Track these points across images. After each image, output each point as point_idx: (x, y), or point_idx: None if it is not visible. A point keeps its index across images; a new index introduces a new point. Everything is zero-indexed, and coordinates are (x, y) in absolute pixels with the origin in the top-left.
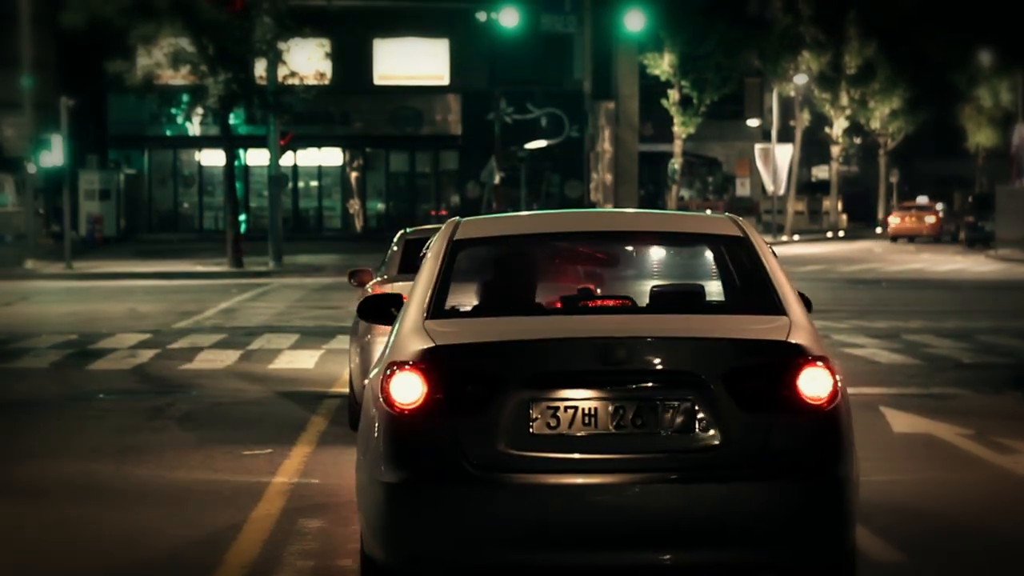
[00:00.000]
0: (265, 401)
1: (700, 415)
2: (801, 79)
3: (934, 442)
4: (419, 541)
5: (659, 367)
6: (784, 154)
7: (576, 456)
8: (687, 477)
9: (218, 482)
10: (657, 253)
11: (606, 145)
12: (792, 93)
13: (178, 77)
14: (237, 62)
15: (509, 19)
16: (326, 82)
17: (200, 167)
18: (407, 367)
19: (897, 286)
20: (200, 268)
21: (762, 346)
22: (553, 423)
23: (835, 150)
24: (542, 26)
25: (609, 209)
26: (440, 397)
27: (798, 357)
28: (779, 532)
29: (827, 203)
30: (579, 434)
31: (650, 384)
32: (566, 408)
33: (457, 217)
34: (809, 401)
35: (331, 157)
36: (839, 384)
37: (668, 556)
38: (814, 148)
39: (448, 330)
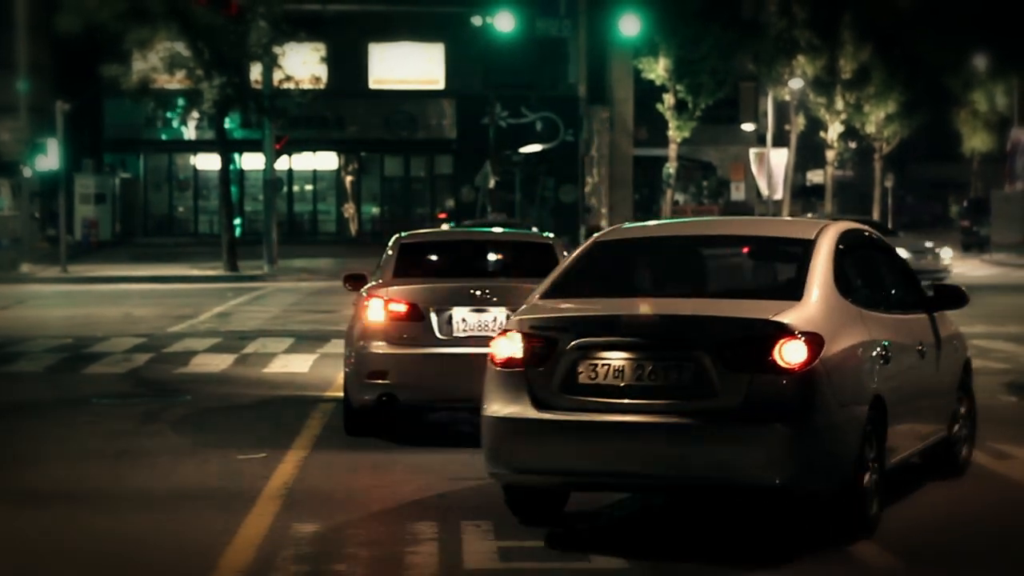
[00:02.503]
0: (260, 405)
1: (699, 373)
2: (796, 83)
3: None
4: (498, 457)
5: (668, 338)
6: (779, 158)
7: (609, 400)
8: (688, 418)
9: (212, 486)
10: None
11: (601, 149)
12: (787, 97)
13: (173, 81)
14: (232, 66)
15: (504, 23)
16: (321, 86)
17: (195, 171)
18: (504, 333)
19: None
20: (195, 272)
21: (749, 323)
22: (593, 376)
23: (830, 154)
24: (537, 30)
25: (715, 218)
26: (517, 354)
27: (779, 332)
28: (760, 464)
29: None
30: (613, 383)
31: (661, 349)
32: (602, 365)
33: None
34: (784, 366)
35: (326, 161)
36: (817, 353)
37: (671, 476)
38: (809, 152)
39: (544, 306)
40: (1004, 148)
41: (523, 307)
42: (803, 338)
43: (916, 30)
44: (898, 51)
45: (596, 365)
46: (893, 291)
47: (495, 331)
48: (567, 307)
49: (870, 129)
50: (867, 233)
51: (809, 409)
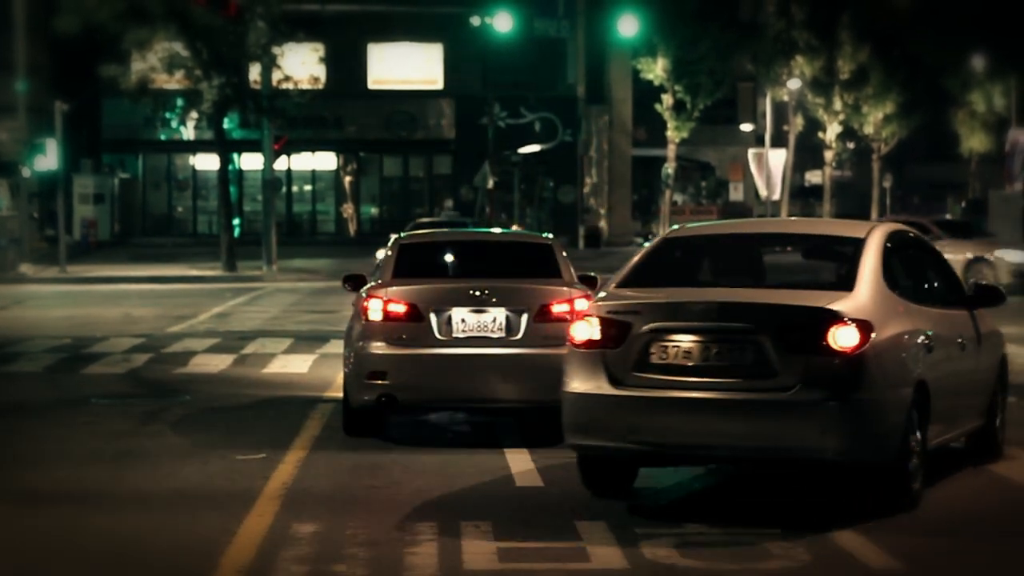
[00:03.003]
0: (259, 406)
1: (760, 355)
2: (794, 84)
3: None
4: (578, 429)
5: (732, 323)
6: (777, 159)
7: (677, 378)
8: (750, 394)
9: (212, 487)
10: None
11: (600, 150)
12: (785, 98)
13: (172, 82)
14: (231, 67)
15: (503, 24)
16: (320, 86)
17: (194, 171)
18: (583, 317)
19: None
20: (194, 272)
21: (806, 310)
22: (664, 356)
23: (828, 155)
24: (535, 31)
25: (772, 218)
26: (595, 337)
27: (832, 319)
28: (814, 437)
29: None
30: (681, 363)
31: (726, 333)
32: (672, 347)
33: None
34: (838, 349)
35: (325, 161)
36: (866, 339)
37: (733, 447)
38: (807, 153)
39: (618, 293)
40: (1002, 149)
41: (600, 295)
42: (854, 324)
43: (914, 31)
44: (896, 52)
45: (666, 347)
46: (935, 287)
47: (494, 331)
48: (640, 295)
49: (868, 130)
50: (911, 234)
51: (859, 388)
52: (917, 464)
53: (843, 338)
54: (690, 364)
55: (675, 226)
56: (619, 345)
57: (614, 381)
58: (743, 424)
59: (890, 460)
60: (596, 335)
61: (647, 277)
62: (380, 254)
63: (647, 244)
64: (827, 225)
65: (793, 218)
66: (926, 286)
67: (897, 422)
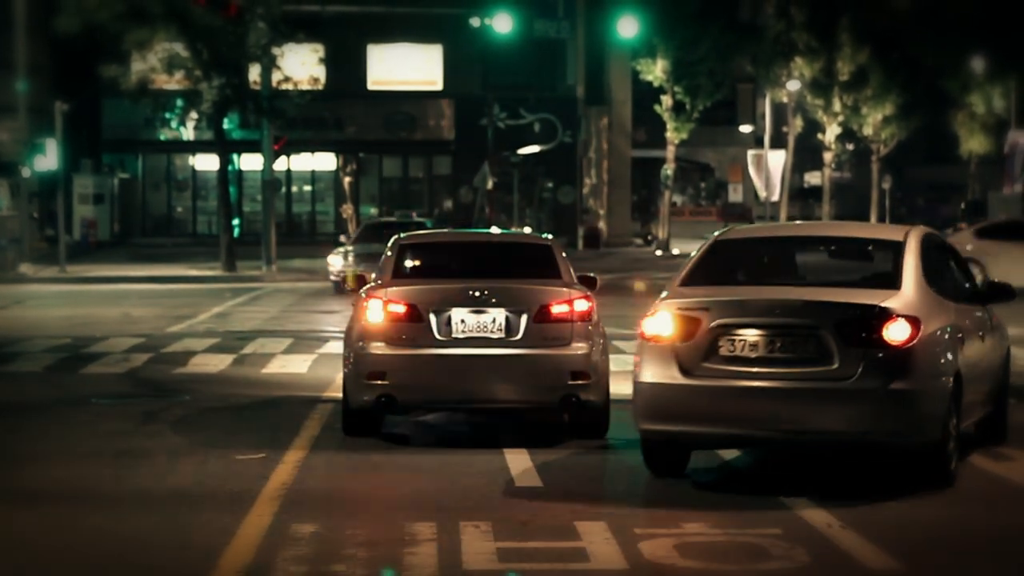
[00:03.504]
0: (258, 406)
1: (822, 347)
2: (794, 85)
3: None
4: (652, 416)
5: (794, 318)
6: (777, 160)
7: (745, 369)
8: (812, 383)
9: (211, 487)
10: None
11: (599, 150)
12: (785, 99)
13: (172, 82)
14: (231, 67)
15: (502, 25)
16: (320, 87)
17: (194, 171)
18: (654, 313)
19: None
20: (194, 272)
21: (863, 307)
22: (731, 349)
23: (828, 156)
24: (535, 32)
25: (813, 222)
26: (667, 331)
27: (886, 315)
28: (872, 421)
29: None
30: (747, 355)
31: (789, 328)
32: (739, 340)
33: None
34: (891, 342)
35: (324, 162)
36: (920, 331)
37: (799, 431)
38: (807, 154)
39: (683, 292)
40: (1002, 150)
41: (665, 293)
42: (905, 320)
43: (914, 32)
44: (896, 53)
45: (734, 340)
46: (956, 285)
47: (494, 332)
48: (707, 293)
49: (868, 131)
50: (935, 235)
51: (910, 378)
52: (954, 447)
53: (896, 332)
54: (755, 356)
55: (715, 232)
56: (690, 339)
57: (685, 372)
58: (806, 409)
59: (935, 442)
60: (668, 330)
61: (706, 277)
62: (332, 259)
63: (700, 247)
64: (865, 229)
65: (827, 222)
66: (951, 283)
67: (941, 408)
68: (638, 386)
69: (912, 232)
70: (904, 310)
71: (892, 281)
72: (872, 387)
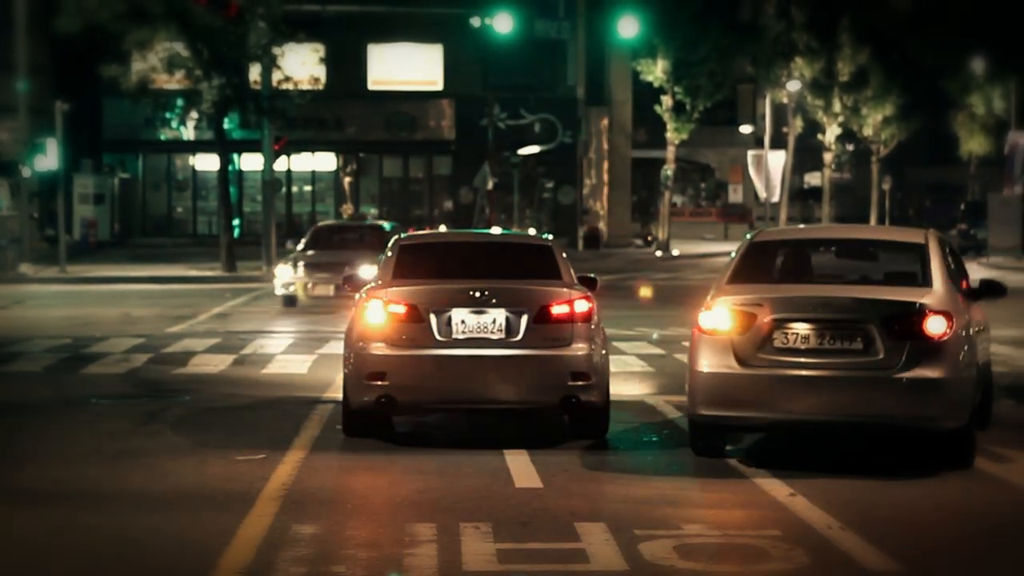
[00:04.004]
0: (258, 406)
1: (868, 340)
2: (794, 86)
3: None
4: (710, 402)
5: (844, 314)
6: (777, 161)
7: (797, 359)
8: (860, 372)
9: (211, 487)
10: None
11: (599, 151)
12: (785, 100)
13: (173, 82)
14: (231, 67)
15: (503, 25)
16: (320, 87)
17: (194, 172)
18: (705, 309)
19: None
20: (194, 272)
21: (905, 304)
22: (785, 341)
23: (827, 157)
24: (535, 32)
25: (841, 224)
26: (722, 324)
27: (924, 310)
28: (915, 408)
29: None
30: (799, 347)
31: (839, 322)
32: (791, 333)
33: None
34: (931, 335)
35: (325, 162)
36: (953, 325)
37: (847, 417)
38: (807, 155)
39: (733, 289)
40: (1001, 151)
41: (715, 291)
42: (942, 315)
43: (914, 33)
44: (896, 54)
45: (787, 333)
46: (961, 283)
47: (494, 332)
48: (759, 290)
49: (868, 132)
50: (945, 238)
51: (947, 367)
52: (974, 432)
53: (935, 326)
54: (807, 347)
55: (747, 235)
56: (746, 332)
57: (741, 362)
58: (854, 397)
59: (965, 427)
60: (725, 324)
61: (749, 276)
62: (280, 270)
63: (737, 249)
64: (888, 231)
65: (859, 224)
66: (958, 282)
67: (970, 395)
68: (695, 375)
69: (930, 234)
70: (939, 306)
71: (921, 279)
72: (915, 377)
